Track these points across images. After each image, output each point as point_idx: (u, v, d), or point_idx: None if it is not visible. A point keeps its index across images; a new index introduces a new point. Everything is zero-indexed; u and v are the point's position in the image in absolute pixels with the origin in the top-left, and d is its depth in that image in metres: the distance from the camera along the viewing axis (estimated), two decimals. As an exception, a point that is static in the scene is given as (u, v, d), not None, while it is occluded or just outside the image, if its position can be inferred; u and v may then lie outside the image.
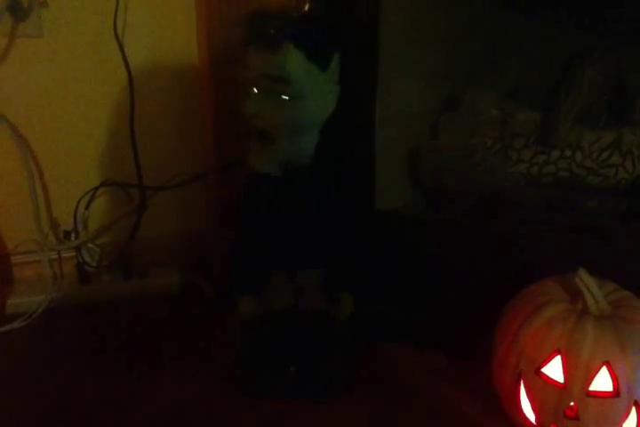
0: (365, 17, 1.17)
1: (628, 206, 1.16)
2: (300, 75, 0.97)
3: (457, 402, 1.05)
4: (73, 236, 1.34)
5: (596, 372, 0.86)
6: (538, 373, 0.90)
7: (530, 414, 0.93)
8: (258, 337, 1.09)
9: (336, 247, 1.10)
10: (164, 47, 1.34)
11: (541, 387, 0.90)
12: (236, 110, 1.09)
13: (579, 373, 0.87)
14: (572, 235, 1.13)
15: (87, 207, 1.34)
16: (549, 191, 1.22)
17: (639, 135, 1.19)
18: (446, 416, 1.02)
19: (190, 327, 1.26)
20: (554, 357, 0.89)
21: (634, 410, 0.86)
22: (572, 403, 0.87)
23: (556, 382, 0.88)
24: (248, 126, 1.04)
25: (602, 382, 0.86)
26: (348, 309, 1.11)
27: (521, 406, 0.93)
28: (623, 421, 0.87)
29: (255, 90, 0.99)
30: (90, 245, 1.36)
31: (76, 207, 1.33)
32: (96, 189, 1.34)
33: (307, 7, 1.21)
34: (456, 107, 1.28)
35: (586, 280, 0.93)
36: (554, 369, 0.89)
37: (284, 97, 0.97)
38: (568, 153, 1.21)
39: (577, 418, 0.87)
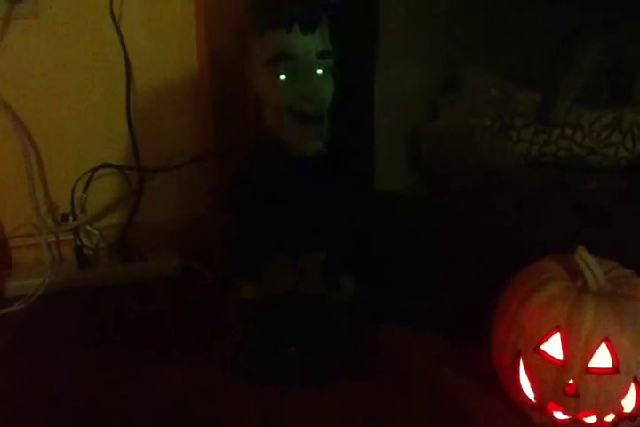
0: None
1: (628, 186, 1.15)
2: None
3: (457, 385, 1.04)
4: (71, 218, 1.33)
5: (596, 348, 0.85)
6: (537, 350, 0.90)
7: (529, 393, 0.92)
8: (258, 321, 1.09)
9: (337, 231, 1.10)
10: (162, 29, 1.32)
11: (540, 364, 0.89)
12: (237, 93, 1.08)
13: (578, 349, 0.86)
14: (572, 214, 1.12)
15: (85, 190, 1.34)
16: (549, 171, 1.21)
17: (639, 114, 1.18)
18: (446, 400, 1.01)
19: (190, 312, 1.25)
20: (553, 334, 0.88)
21: (633, 386, 0.86)
22: (571, 380, 0.87)
23: (556, 359, 0.88)
24: (279, 112, 1.02)
25: (601, 358, 0.85)
26: (348, 292, 1.10)
27: (520, 384, 0.93)
28: (622, 397, 0.86)
29: (291, 74, 0.98)
30: (88, 227, 1.36)
31: (73, 190, 1.33)
32: (94, 171, 1.33)
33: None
34: (455, 87, 1.27)
35: (585, 257, 0.92)
36: (553, 346, 0.89)
37: (320, 72, 0.97)
38: (568, 132, 1.20)
39: (576, 395, 0.86)
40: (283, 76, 0.97)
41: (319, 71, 0.97)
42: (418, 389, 1.04)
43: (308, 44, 0.97)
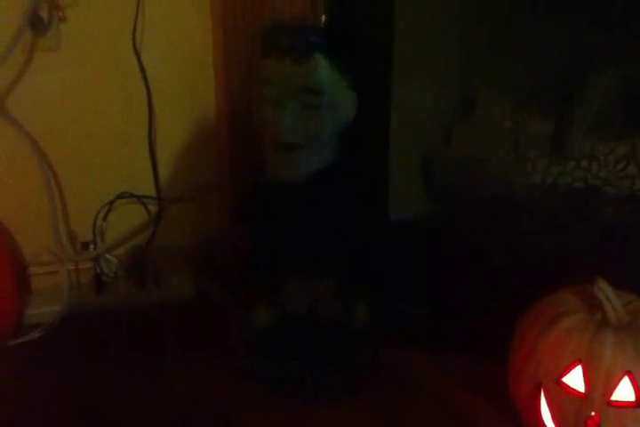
0: (380, 23, 1.18)
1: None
2: (329, 84, 0.99)
3: (472, 408, 1.05)
4: (91, 247, 1.35)
5: (618, 381, 0.86)
6: (558, 382, 0.90)
7: (550, 424, 0.92)
8: (272, 344, 1.10)
9: (351, 255, 1.11)
10: (182, 60, 1.35)
11: (562, 396, 0.90)
12: (249, 121, 1.10)
13: (600, 382, 0.86)
14: (588, 242, 1.13)
15: (105, 219, 1.36)
16: (565, 201, 1.22)
17: (654, 145, 1.19)
18: (460, 422, 1.02)
19: (204, 335, 1.26)
20: (574, 366, 0.89)
21: (655, 420, 0.87)
22: (593, 413, 0.87)
23: (577, 391, 0.88)
24: (266, 138, 1.05)
25: (623, 391, 0.86)
26: (364, 317, 1.11)
27: (541, 416, 0.93)
28: (644, 430, 0.87)
29: (277, 103, 0.99)
30: (107, 255, 1.37)
31: (95, 219, 1.35)
32: (113, 201, 1.35)
33: (323, 16, 1.22)
34: (470, 114, 1.29)
35: (604, 289, 0.93)
36: (575, 379, 0.89)
37: (314, 107, 0.98)
38: (584, 164, 1.21)
39: (598, 428, 0.87)
40: (270, 104, 0.99)
41: (301, 105, 0.98)
42: (432, 409, 1.05)
43: (295, 76, 0.97)
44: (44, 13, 1.23)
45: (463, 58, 1.25)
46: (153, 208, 1.40)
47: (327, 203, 1.07)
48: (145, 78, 1.30)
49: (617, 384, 0.86)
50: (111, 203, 1.35)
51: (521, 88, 1.28)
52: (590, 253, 1.11)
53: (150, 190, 1.38)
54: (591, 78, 1.24)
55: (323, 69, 0.98)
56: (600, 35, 1.19)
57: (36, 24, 1.22)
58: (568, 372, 0.90)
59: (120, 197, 1.36)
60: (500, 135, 1.28)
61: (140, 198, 1.38)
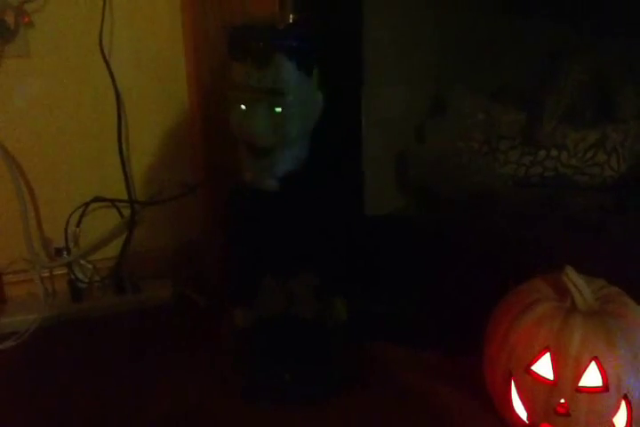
0: (349, 22, 1.18)
1: (614, 202, 1.16)
2: (293, 85, 0.98)
3: (450, 402, 1.05)
4: (65, 253, 1.34)
5: (585, 367, 0.86)
6: (528, 371, 0.90)
7: (522, 413, 0.92)
8: (252, 347, 1.09)
9: (327, 253, 1.10)
10: (151, 63, 1.34)
11: (532, 384, 0.89)
12: (224, 123, 1.09)
13: (568, 369, 0.86)
14: (561, 232, 1.13)
15: (78, 224, 1.35)
16: (537, 190, 1.22)
17: (623, 133, 1.19)
18: (440, 416, 1.02)
19: (185, 339, 1.26)
20: (543, 354, 0.89)
21: (623, 404, 0.86)
22: (562, 400, 0.87)
23: (546, 379, 0.88)
24: (237, 141, 1.04)
25: (591, 377, 0.86)
26: (342, 315, 1.11)
27: (512, 404, 0.93)
28: (613, 415, 0.86)
29: (245, 106, 0.99)
30: (82, 261, 1.37)
31: (67, 224, 1.34)
32: (86, 205, 1.34)
33: (291, 17, 1.22)
34: (442, 109, 1.29)
35: (572, 277, 0.93)
36: (544, 367, 0.89)
37: (278, 109, 0.97)
38: (554, 153, 1.21)
39: (568, 414, 0.87)
40: (238, 108, 0.98)
41: (268, 107, 0.97)
42: (412, 406, 1.05)
43: (260, 79, 0.96)
44: (10, 20, 1.23)
45: (434, 56, 1.25)
46: (127, 212, 1.39)
47: (302, 202, 1.07)
48: (113, 81, 1.30)
49: (585, 370, 0.86)
50: (85, 208, 1.34)
51: (492, 82, 1.28)
52: (562, 241, 1.11)
53: (124, 194, 1.37)
54: (562, 69, 1.24)
55: (285, 70, 0.97)
56: (569, 28, 1.20)
57: (2, 30, 1.22)
58: (537, 360, 0.90)
59: (93, 201, 1.35)
60: (471, 129, 1.28)
61: (113, 202, 1.37)
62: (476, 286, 1.09)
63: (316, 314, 1.11)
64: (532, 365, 0.89)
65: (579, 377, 0.85)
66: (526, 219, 1.15)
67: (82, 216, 1.35)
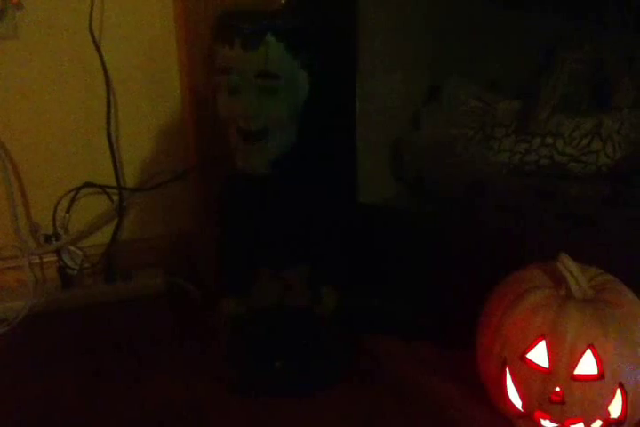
0: (344, 8, 1.16)
1: (610, 191, 1.15)
2: (285, 67, 0.97)
3: (445, 393, 1.04)
4: (53, 239, 1.32)
5: (581, 355, 0.85)
6: (523, 359, 0.89)
7: (516, 401, 0.92)
8: (244, 336, 1.08)
9: (321, 243, 1.10)
10: (142, 47, 1.32)
11: (526, 373, 0.89)
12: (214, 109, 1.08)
13: (563, 357, 0.86)
14: (556, 221, 1.12)
15: (68, 210, 1.33)
16: (532, 179, 1.21)
17: (618, 121, 1.18)
18: (435, 408, 1.01)
19: (176, 328, 1.25)
20: (538, 342, 0.88)
21: (619, 392, 0.85)
22: (557, 388, 0.86)
23: (542, 367, 0.88)
24: (230, 126, 1.02)
25: (586, 365, 0.85)
26: (331, 304, 1.10)
27: (507, 393, 0.92)
28: (608, 403, 0.86)
29: (233, 89, 0.97)
30: (71, 248, 1.35)
31: (55, 210, 1.32)
32: (76, 191, 1.33)
33: (282, 1, 1.20)
34: (437, 97, 1.28)
35: (568, 265, 0.92)
36: (538, 354, 0.88)
37: (268, 91, 0.96)
38: (549, 141, 1.20)
39: (563, 402, 0.86)
40: (226, 92, 0.97)
41: (258, 90, 0.96)
42: (407, 398, 1.04)
43: (249, 61, 0.95)
44: (-3, 1, 1.21)
45: (429, 43, 1.24)
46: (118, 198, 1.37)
47: (296, 189, 1.06)
48: (103, 65, 1.28)
49: (580, 358, 0.85)
50: (75, 193, 1.33)
51: (488, 69, 1.27)
52: (557, 231, 1.10)
53: (114, 180, 1.35)
54: (558, 57, 1.23)
55: (274, 52, 0.96)
56: (566, 16, 1.19)
57: (-11, 12, 1.20)
58: (532, 348, 0.89)
59: (83, 186, 1.33)
60: (466, 116, 1.27)
61: (103, 188, 1.35)
62: (472, 277, 1.09)
63: (309, 305, 1.10)
64: (526, 353, 0.89)
65: (574, 365, 0.85)
66: (521, 209, 1.15)
67: (72, 202, 1.33)
